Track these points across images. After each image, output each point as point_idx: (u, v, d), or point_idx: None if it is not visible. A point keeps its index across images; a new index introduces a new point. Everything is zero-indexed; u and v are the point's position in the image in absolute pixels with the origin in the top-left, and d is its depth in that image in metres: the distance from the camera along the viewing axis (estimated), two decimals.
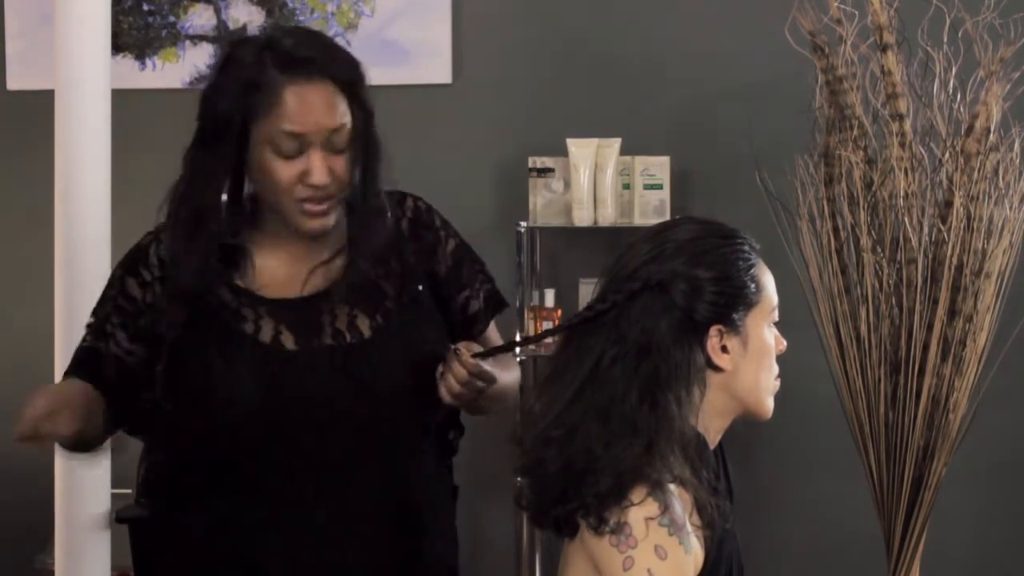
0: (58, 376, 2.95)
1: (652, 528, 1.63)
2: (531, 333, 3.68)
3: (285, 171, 1.90)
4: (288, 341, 1.93)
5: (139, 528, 2.05)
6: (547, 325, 3.64)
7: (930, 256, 2.86)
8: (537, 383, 1.84)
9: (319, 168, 1.90)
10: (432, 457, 2.08)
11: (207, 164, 1.92)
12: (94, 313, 2.01)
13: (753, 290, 1.74)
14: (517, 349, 2.85)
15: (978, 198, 2.85)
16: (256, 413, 1.89)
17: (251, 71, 1.90)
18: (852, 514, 3.40)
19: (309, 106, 1.89)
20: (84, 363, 2.01)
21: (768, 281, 1.77)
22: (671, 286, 1.71)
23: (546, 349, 3.63)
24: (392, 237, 2.02)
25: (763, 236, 1.98)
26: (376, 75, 4.22)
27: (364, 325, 1.96)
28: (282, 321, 1.94)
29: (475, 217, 3.87)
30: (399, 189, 2.08)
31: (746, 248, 1.76)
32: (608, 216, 3.62)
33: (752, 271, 1.75)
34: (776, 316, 1.78)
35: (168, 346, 1.92)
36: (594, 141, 3.62)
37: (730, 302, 1.72)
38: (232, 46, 1.96)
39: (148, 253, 1.98)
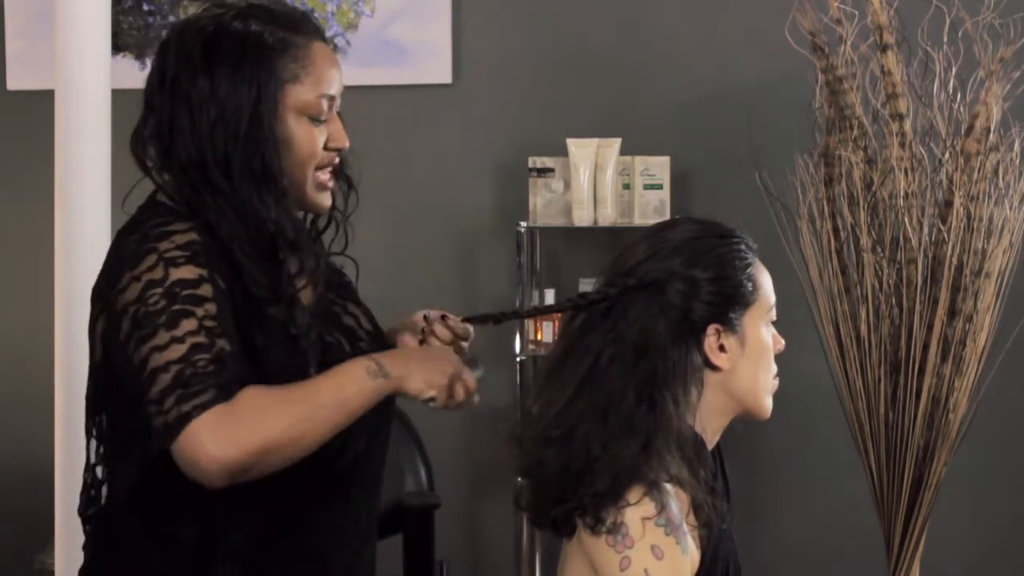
0: (58, 376, 2.95)
1: (649, 528, 1.63)
2: (531, 333, 3.68)
3: (315, 138, 1.79)
4: (345, 345, 1.86)
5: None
6: (547, 325, 3.65)
7: (930, 256, 2.86)
8: (536, 383, 1.83)
9: (342, 131, 1.83)
10: None
11: (253, 154, 1.75)
12: (195, 316, 1.68)
13: (750, 289, 1.75)
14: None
15: (978, 198, 2.85)
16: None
17: (269, 37, 1.77)
18: (852, 514, 3.41)
19: (334, 65, 1.83)
20: (249, 371, 1.70)
21: (765, 280, 1.77)
22: (667, 285, 1.72)
23: (545, 349, 3.63)
24: None
25: (763, 236, 1.98)
26: (376, 75, 4.22)
27: (364, 318, 1.93)
28: (329, 325, 1.86)
29: (475, 217, 3.88)
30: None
31: (743, 248, 1.76)
32: (608, 216, 3.62)
33: (749, 270, 1.75)
34: (774, 315, 1.79)
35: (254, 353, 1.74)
36: (594, 141, 3.62)
37: (727, 301, 1.73)
38: (212, 24, 1.78)
39: (203, 247, 1.72)
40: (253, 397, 1.67)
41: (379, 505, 1.94)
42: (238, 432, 1.64)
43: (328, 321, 1.86)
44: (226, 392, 1.65)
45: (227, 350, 1.67)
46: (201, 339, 1.66)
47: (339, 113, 1.85)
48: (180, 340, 1.66)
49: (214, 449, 1.63)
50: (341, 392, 1.72)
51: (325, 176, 1.83)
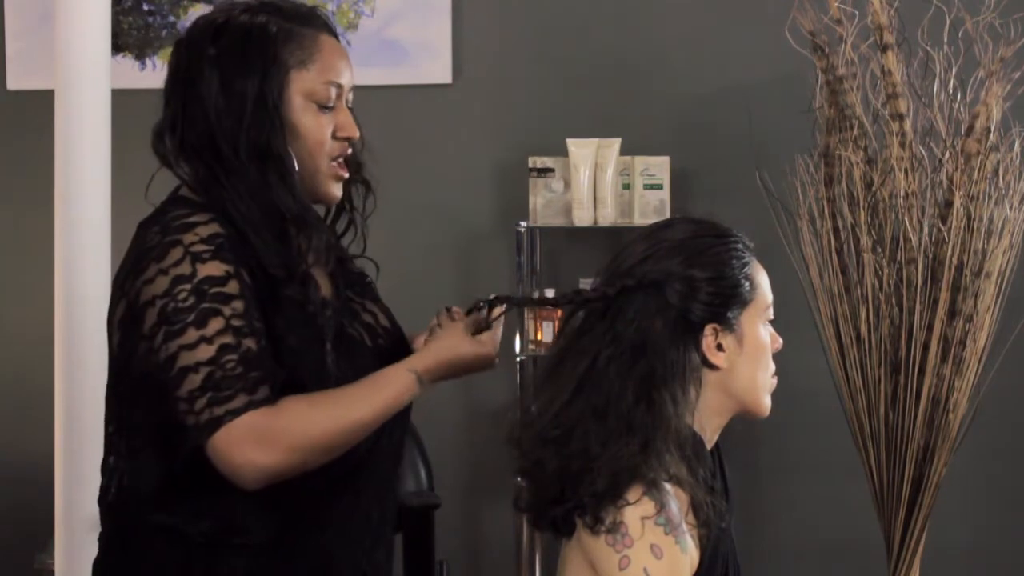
0: (58, 376, 2.95)
1: (648, 527, 1.63)
2: (531, 333, 3.68)
3: (323, 125, 1.83)
4: (367, 339, 1.89)
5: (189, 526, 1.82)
6: (547, 325, 3.65)
7: (930, 256, 2.86)
8: (535, 384, 1.83)
9: (351, 121, 1.86)
10: None
11: (263, 142, 1.78)
12: (222, 315, 1.71)
13: (747, 288, 1.75)
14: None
15: (978, 198, 2.85)
16: None
17: (273, 26, 1.81)
18: (852, 514, 3.41)
19: (343, 57, 1.86)
20: (275, 368, 1.74)
21: (762, 279, 1.77)
22: (666, 286, 1.71)
23: (545, 349, 3.63)
24: None
25: (763, 236, 1.98)
26: (376, 75, 4.22)
27: (382, 316, 1.95)
28: (353, 320, 1.89)
29: (475, 217, 3.88)
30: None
31: (740, 247, 1.76)
32: (608, 216, 3.62)
33: (746, 269, 1.75)
34: (771, 314, 1.79)
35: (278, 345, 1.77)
36: (594, 141, 3.62)
37: (725, 301, 1.73)
38: (221, 18, 1.82)
39: (227, 239, 1.75)
40: (294, 406, 1.72)
41: (393, 505, 1.95)
42: (282, 442, 1.70)
43: (349, 315, 1.88)
44: (256, 395, 1.70)
45: (253, 349, 1.71)
46: (229, 339, 1.70)
47: (351, 108, 1.88)
48: (209, 340, 1.70)
49: (257, 456, 1.69)
50: (377, 398, 1.78)
51: (337, 167, 1.86)
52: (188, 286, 1.71)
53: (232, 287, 1.72)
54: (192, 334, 1.70)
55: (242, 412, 1.69)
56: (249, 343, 1.71)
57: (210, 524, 1.78)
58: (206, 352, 1.70)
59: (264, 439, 1.69)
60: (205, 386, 1.69)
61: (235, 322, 1.71)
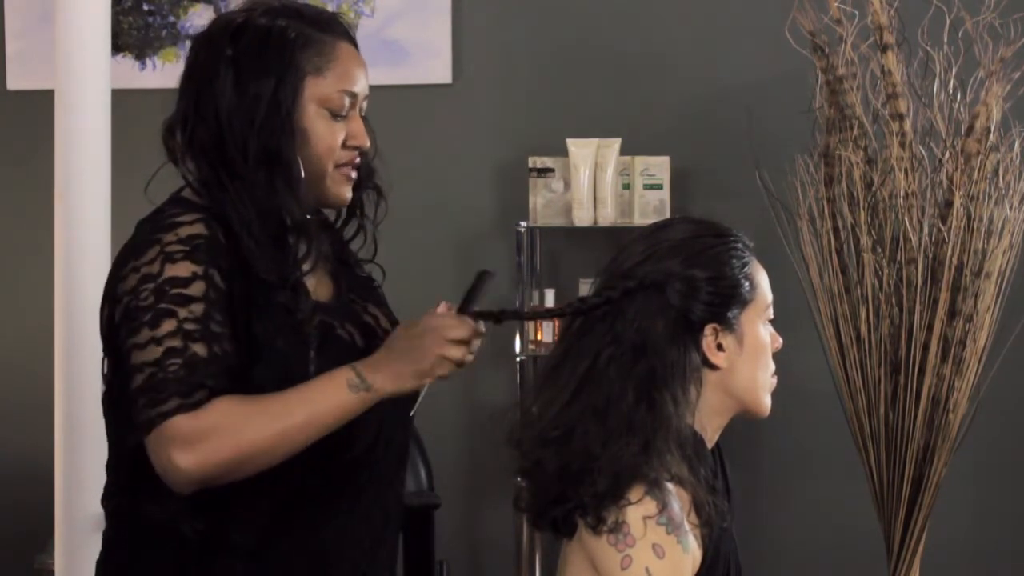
0: (58, 376, 2.95)
1: (650, 527, 1.63)
2: (531, 333, 3.68)
3: (334, 132, 1.82)
4: (359, 340, 1.87)
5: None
6: (547, 325, 3.65)
7: (930, 256, 2.87)
8: (535, 384, 1.83)
9: (363, 131, 1.86)
10: None
11: (271, 146, 1.78)
12: (176, 317, 1.70)
13: (747, 288, 1.75)
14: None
15: (978, 198, 2.85)
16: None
17: (292, 31, 1.80)
18: (852, 514, 3.41)
19: (360, 65, 1.86)
20: (223, 375, 1.71)
21: (762, 279, 1.77)
22: (666, 286, 1.71)
23: (545, 350, 3.63)
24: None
25: (763, 236, 1.98)
26: (376, 75, 4.22)
27: (383, 319, 1.94)
28: (346, 321, 1.87)
29: (475, 217, 3.88)
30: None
31: (740, 247, 1.76)
32: (608, 216, 3.62)
33: (746, 269, 1.75)
34: (771, 314, 1.79)
35: (262, 347, 1.76)
36: (594, 141, 3.62)
37: (725, 301, 1.73)
38: (240, 18, 1.83)
39: (207, 241, 1.74)
40: (223, 410, 1.69)
41: (397, 505, 1.94)
42: (205, 445, 1.68)
43: (345, 316, 1.87)
44: (189, 399, 1.68)
45: (200, 356, 1.69)
46: (176, 343, 1.69)
47: (365, 118, 1.87)
48: (158, 342, 1.69)
49: (179, 459, 1.68)
50: (315, 408, 1.73)
51: (348, 171, 1.86)
52: (151, 285, 1.71)
53: (195, 289, 1.71)
54: (144, 334, 1.70)
55: (171, 415, 1.67)
56: (197, 348, 1.69)
57: (205, 523, 1.77)
58: (153, 353, 1.69)
59: (188, 442, 1.67)
60: (145, 387, 1.68)
61: (188, 325, 1.69)
